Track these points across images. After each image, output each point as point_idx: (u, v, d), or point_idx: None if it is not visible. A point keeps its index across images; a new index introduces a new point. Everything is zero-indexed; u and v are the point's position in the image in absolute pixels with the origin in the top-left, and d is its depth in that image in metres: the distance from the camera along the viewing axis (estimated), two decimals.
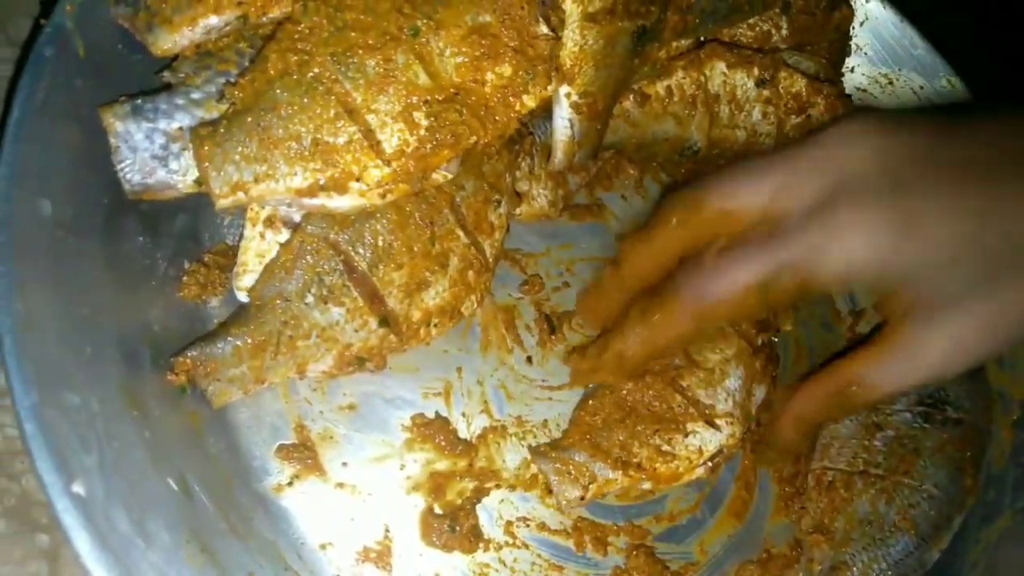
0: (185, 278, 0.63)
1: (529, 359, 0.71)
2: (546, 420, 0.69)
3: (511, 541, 0.65)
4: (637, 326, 0.62)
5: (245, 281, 0.60)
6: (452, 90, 0.56)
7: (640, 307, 0.62)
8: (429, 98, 0.55)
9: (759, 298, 0.57)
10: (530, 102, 0.58)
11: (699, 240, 0.60)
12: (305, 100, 0.53)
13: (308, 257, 0.59)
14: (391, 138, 0.54)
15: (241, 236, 0.61)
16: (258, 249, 0.60)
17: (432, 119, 0.55)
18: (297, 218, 0.60)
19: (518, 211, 0.73)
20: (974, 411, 0.69)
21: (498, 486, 0.66)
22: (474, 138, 0.56)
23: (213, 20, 0.56)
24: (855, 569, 0.64)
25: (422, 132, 0.54)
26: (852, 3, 0.81)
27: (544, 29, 0.58)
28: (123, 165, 0.55)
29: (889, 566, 0.64)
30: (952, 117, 0.60)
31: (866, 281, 0.57)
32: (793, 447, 0.69)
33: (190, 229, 0.64)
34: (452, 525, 0.63)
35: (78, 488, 0.44)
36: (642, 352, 0.63)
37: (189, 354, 0.58)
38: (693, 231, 0.60)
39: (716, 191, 0.59)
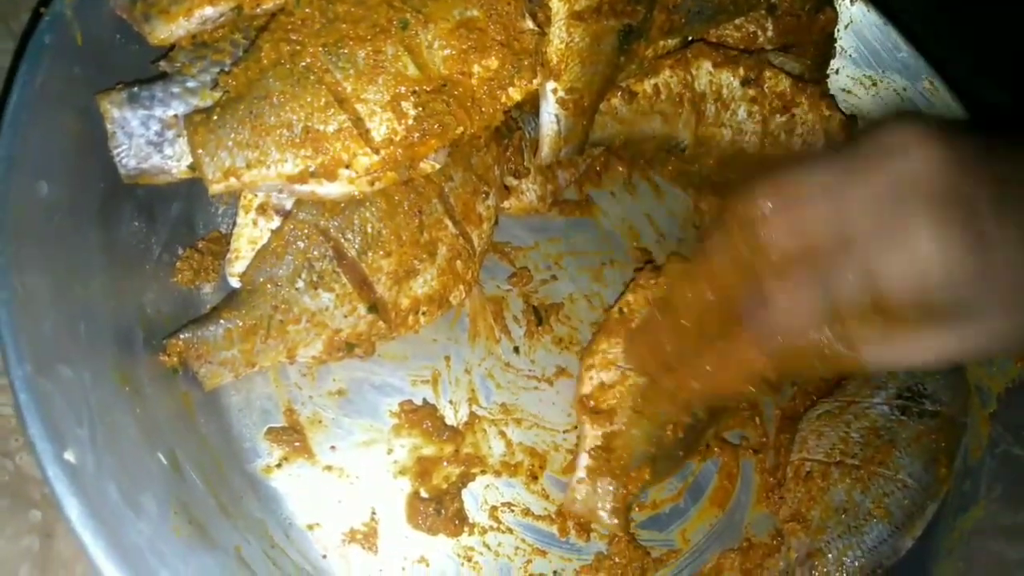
0: (179, 264, 0.64)
1: (516, 349, 0.72)
2: (532, 409, 0.70)
3: (496, 525, 0.66)
4: (706, 367, 0.58)
5: (237, 267, 0.61)
6: (440, 81, 0.57)
7: (710, 349, 0.58)
8: (417, 89, 0.56)
9: (833, 325, 0.52)
10: (516, 95, 0.59)
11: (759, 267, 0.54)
12: (297, 89, 0.55)
13: (299, 243, 0.60)
14: (380, 127, 0.55)
15: (234, 224, 0.62)
16: (251, 236, 0.62)
17: (420, 109, 0.56)
18: (289, 206, 0.61)
19: (507, 204, 0.74)
20: (951, 404, 0.70)
21: (483, 472, 0.67)
22: (461, 128, 0.57)
23: (209, 11, 0.57)
24: (830, 556, 0.65)
25: (410, 121, 0.56)
26: (837, 6, 0.82)
27: (530, 24, 0.59)
28: (119, 150, 0.57)
29: (863, 553, 0.65)
30: (990, 135, 0.55)
31: (932, 301, 0.51)
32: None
33: (185, 216, 0.66)
34: (438, 509, 0.64)
35: (69, 456, 0.46)
36: (706, 392, 0.60)
37: (181, 336, 0.59)
38: (754, 257, 0.54)
39: (777, 217, 0.53)
